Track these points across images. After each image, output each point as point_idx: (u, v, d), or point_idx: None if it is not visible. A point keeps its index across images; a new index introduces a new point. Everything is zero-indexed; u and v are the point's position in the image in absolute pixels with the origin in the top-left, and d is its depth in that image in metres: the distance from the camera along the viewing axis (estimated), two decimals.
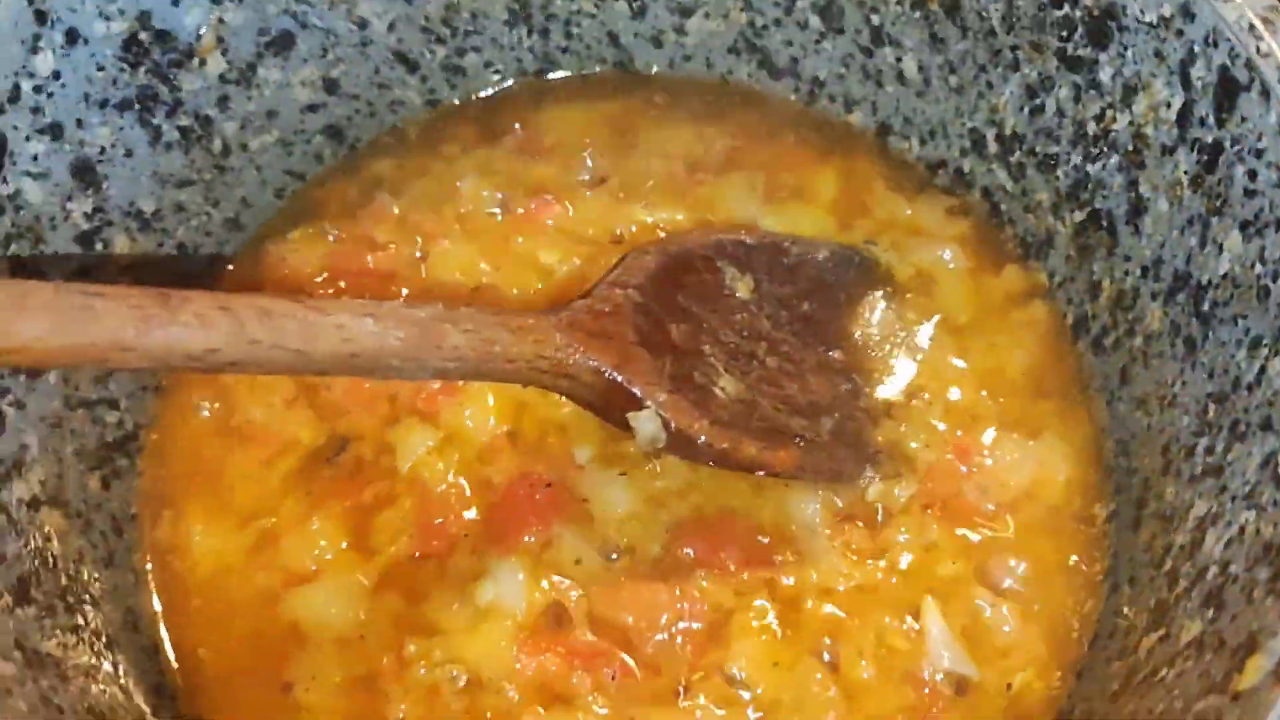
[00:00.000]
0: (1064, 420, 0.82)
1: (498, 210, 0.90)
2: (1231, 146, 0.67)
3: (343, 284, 0.87)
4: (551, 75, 0.97)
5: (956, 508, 0.78)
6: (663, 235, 0.88)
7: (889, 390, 0.83)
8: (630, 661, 0.75)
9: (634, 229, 0.89)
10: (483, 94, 0.96)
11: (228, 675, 0.78)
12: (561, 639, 0.76)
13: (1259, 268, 0.66)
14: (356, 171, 0.93)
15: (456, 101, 0.96)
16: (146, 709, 0.72)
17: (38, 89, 0.72)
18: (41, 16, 0.71)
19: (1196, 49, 0.68)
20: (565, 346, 0.71)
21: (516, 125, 0.95)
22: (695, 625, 0.75)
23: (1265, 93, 0.64)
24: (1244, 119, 0.66)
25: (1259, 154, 0.65)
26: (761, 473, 0.76)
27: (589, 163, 0.93)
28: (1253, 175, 0.66)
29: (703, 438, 0.74)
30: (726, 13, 0.91)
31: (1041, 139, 0.81)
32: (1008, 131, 0.84)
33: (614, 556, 0.77)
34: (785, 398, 0.79)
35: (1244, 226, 0.67)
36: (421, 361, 0.67)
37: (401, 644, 0.76)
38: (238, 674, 0.77)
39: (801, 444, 0.77)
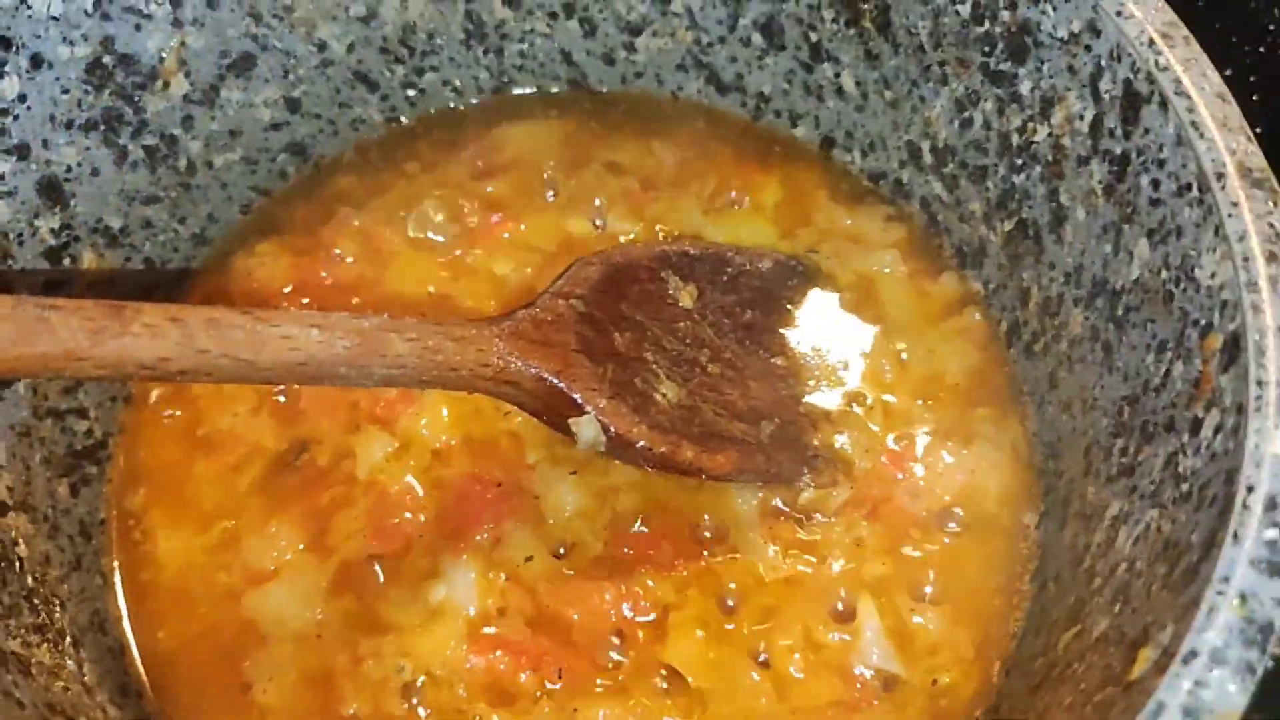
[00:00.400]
0: (998, 427, 0.85)
1: (456, 224, 0.94)
2: (1137, 157, 0.70)
3: (306, 298, 0.91)
4: (508, 93, 1.00)
5: (888, 512, 0.81)
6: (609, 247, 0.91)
7: (829, 396, 0.86)
8: (574, 658, 0.78)
9: (586, 242, 0.92)
10: (441, 111, 0.99)
11: (190, 675, 0.80)
12: (509, 637, 0.78)
13: (1164, 274, 0.68)
14: (320, 187, 0.97)
15: (416, 119, 0.99)
16: (111, 707, 0.75)
17: (4, 111, 0.75)
18: (6, 42, 0.74)
19: (1103, 63, 0.71)
20: (507, 354, 0.74)
21: (474, 142, 0.98)
22: (638, 620, 0.78)
23: (1164, 104, 0.67)
24: (1147, 130, 0.69)
25: (1160, 164, 0.68)
26: (701, 476, 0.79)
27: (544, 177, 0.96)
28: (1156, 185, 0.68)
29: (641, 442, 0.77)
30: (674, 31, 0.94)
31: (971, 151, 0.84)
32: (940, 144, 0.86)
33: (562, 553, 0.80)
34: (726, 403, 0.82)
35: (1150, 234, 0.69)
36: (367, 370, 0.70)
37: (356, 642, 0.79)
38: (199, 673, 0.80)
39: (741, 448, 0.80)
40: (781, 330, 0.88)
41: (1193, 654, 0.53)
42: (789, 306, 0.89)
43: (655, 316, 0.83)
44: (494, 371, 0.74)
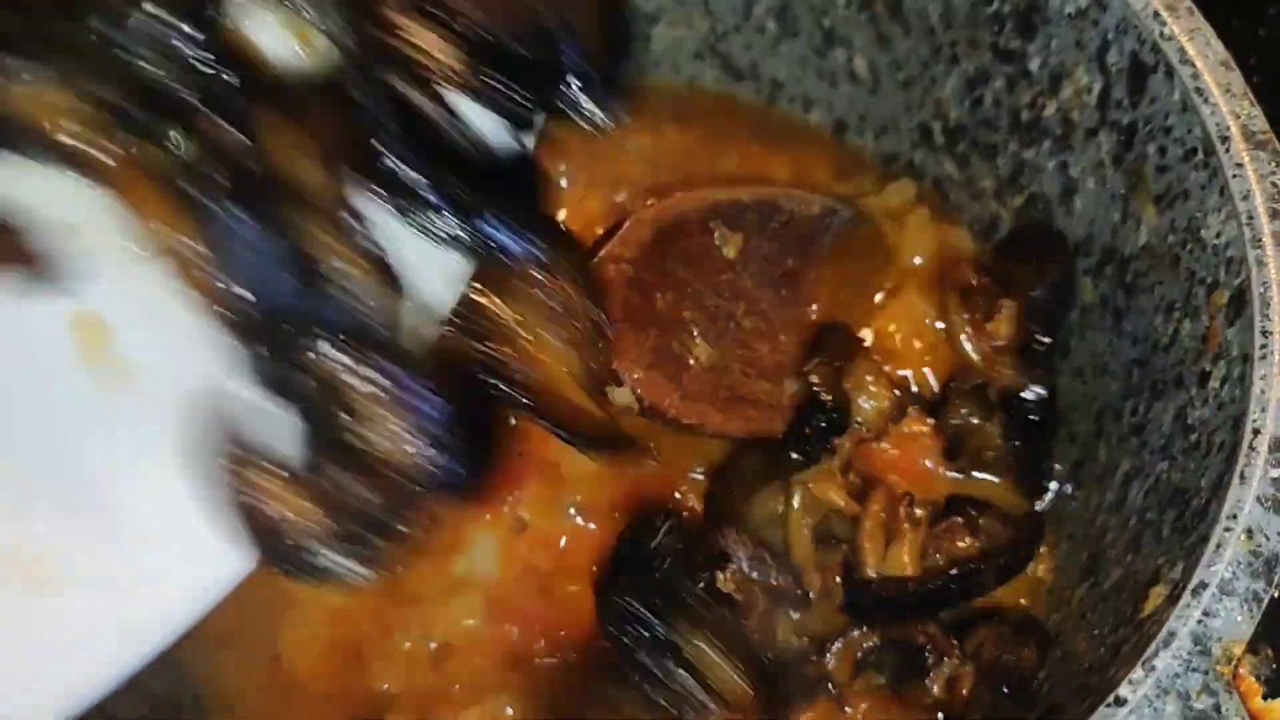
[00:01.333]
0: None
1: None
2: (1144, 126, 0.72)
3: None
4: None
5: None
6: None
7: (857, 345, 0.86)
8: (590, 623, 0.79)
9: (605, 223, 0.94)
10: None
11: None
12: (525, 606, 0.80)
13: (1171, 237, 0.71)
14: None
15: None
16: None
17: None
18: None
19: (1110, 36, 0.74)
20: None
21: None
22: None
23: (1169, 74, 0.70)
24: (1153, 100, 0.71)
25: (1167, 131, 0.70)
26: (724, 438, 0.82)
27: (561, 167, 0.98)
28: (1163, 151, 0.71)
29: (671, 412, 0.80)
30: (690, 21, 0.97)
31: (983, 129, 0.87)
32: (952, 124, 0.89)
33: (579, 511, 0.82)
34: (754, 360, 0.84)
35: (1157, 200, 0.72)
36: None
37: (384, 613, 0.80)
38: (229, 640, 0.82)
39: (762, 410, 0.83)
40: (819, 278, 0.88)
41: (1202, 586, 0.55)
42: (830, 253, 0.89)
43: (698, 271, 0.84)
44: None
